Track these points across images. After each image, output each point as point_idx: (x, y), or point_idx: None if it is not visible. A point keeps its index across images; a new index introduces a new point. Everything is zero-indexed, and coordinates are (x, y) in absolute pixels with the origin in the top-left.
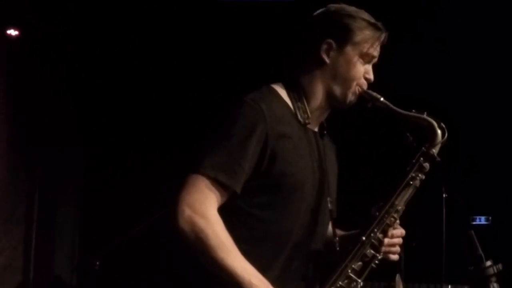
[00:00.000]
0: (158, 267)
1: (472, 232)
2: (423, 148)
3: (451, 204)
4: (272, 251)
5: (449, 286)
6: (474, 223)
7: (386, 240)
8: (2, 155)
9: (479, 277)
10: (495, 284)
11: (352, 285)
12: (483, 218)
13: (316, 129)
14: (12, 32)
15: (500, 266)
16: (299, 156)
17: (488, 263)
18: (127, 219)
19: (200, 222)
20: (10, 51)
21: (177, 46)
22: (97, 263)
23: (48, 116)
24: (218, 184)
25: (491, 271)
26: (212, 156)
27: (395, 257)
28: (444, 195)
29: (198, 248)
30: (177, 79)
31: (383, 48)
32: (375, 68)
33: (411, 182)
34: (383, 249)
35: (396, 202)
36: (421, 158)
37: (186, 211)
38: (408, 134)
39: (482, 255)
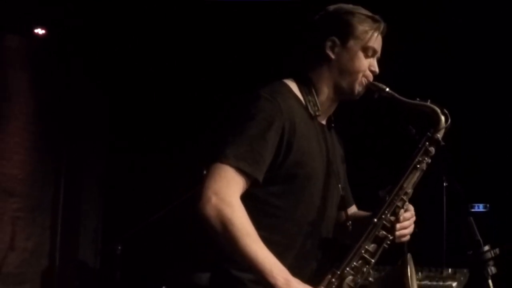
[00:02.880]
0: (177, 251)
1: (471, 219)
2: (428, 133)
3: (451, 193)
4: (288, 239)
5: (450, 270)
6: (472, 210)
7: (398, 224)
8: (30, 148)
9: (478, 261)
10: (492, 268)
11: (366, 265)
12: (481, 205)
13: (324, 122)
14: (40, 31)
15: (497, 250)
16: (310, 147)
17: (486, 247)
18: (148, 206)
19: (226, 209)
20: (38, 49)
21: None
22: (119, 247)
23: (73, 110)
24: (241, 172)
25: (489, 255)
26: (234, 147)
27: (406, 238)
28: (444, 185)
29: (223, 234)
30: (195, 73)
31: (386, 44)
32: (382, 67)
33: (418, 166)
34: (395, 230)
35: (405, 185)
36: (427, 143)
37: (213, 198)
38: (411, 127)
39: (480, 240)
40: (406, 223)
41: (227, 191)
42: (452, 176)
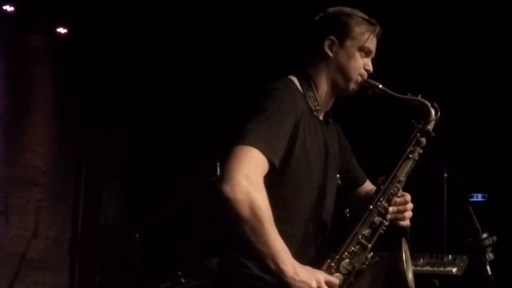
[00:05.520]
0: (192, 238)
1: (470, 208)
2: (419, 125)
3: (451, 183)
4: (293, 228)
5: (450, 256)
6: (471, 200)
7: (391, 208)
8: (53, 140)
9: (476, 247)
10: (490, 254)
11: (363, 250)
12: (479, 195)
13: (321, 117)
14: (62, 30)
15: (495, 238)
16: (311, 141)
17: (484, 235)
18: (164, 196)
19: (257, 194)
20: (60, 47)
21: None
22: (137, 235)
23: (93, 104)
24: (264, 156)
25: (487, 242)
26: (256, 131)
27: (405, 223)
28: (445, 175)
29: (249, 218)
30: (212, 65)
31: (385, 42)
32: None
33: (411, 155)
34: (389, 216)
35: (398, 174)
36: (418, 134)
37: (243, 182)
38: (413, 121)
39: (479, 228)
40: (400, 207)
41: (257, 176)
42: (452, 167)
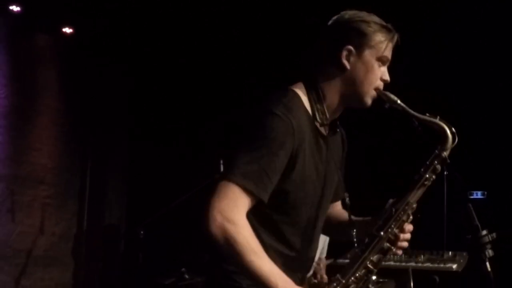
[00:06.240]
0: (196, 236)
1: (470, 205)
2: (436, 151)
3: (451, 181)
4: (286, 248)
5: (450, 253)
6: (471, 197)
7: (402, 235)
8: (59, 139)
9: (476, 244)
10: (489, 251)
11: (369, 274)
12: (479, 193)
13: (327, 130)
14: (67, 30)
15: (494, 234)
16: (311, 162)
17: (484, 232)
18: (168, 194)
19: (230, 228)
20: (65, 47)
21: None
22: (142, 232)
23: (98, 104)
24: (246, 192)
25: (487, 239)
26: (243, 165)
27: (399, 252)
28: (445, 173)
29: (228, 252)
30: (215, 67)
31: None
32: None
33: (426, 183)
34: (399, 243)
35: (412, 201)
36: (435, 161)
37: (218, 217)
38: (413, 119)
39: (479, 225)
40: (407, 235)
41: (231, 210)
42: (452, 166)
